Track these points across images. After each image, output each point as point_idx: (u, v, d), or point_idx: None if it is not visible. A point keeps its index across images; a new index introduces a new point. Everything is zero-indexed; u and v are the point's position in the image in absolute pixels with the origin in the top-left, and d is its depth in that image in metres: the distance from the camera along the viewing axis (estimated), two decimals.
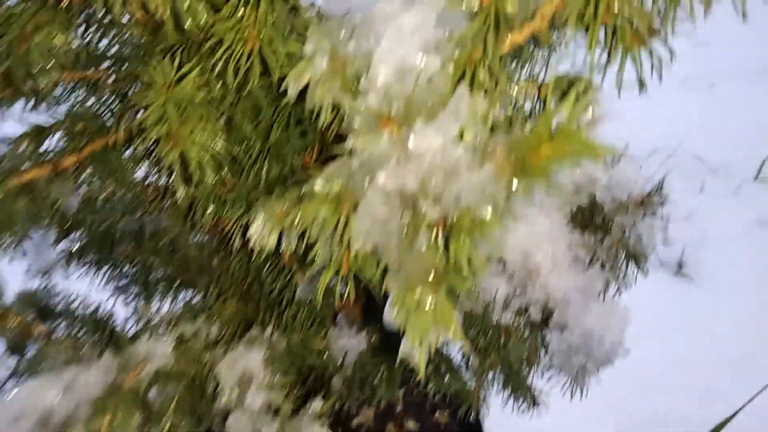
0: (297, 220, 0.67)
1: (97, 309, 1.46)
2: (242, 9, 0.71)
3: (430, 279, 0.63)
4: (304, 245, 0.71)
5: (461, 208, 0.60)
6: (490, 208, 0.60)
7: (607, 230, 1.12)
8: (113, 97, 0.93)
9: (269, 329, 1.05)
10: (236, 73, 0.74)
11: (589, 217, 1.11)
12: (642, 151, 3.63)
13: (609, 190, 1.07)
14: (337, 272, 0.71)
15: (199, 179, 0.77)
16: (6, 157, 0.95)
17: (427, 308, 0.63)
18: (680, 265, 2.92)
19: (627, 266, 1.14)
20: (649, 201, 1.09)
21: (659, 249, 3.00)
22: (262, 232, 0.75)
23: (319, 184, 0.64)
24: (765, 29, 3.52)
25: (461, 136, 0.62)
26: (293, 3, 0.75)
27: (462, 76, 0.63)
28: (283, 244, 0.71)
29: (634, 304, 1.35)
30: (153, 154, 0.89)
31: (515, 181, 0.60)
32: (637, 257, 1.12)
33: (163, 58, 0.76)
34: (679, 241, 3.01)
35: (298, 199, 0.70)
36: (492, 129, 0.61)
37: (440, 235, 0.61)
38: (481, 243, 0.61)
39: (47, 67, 0.77)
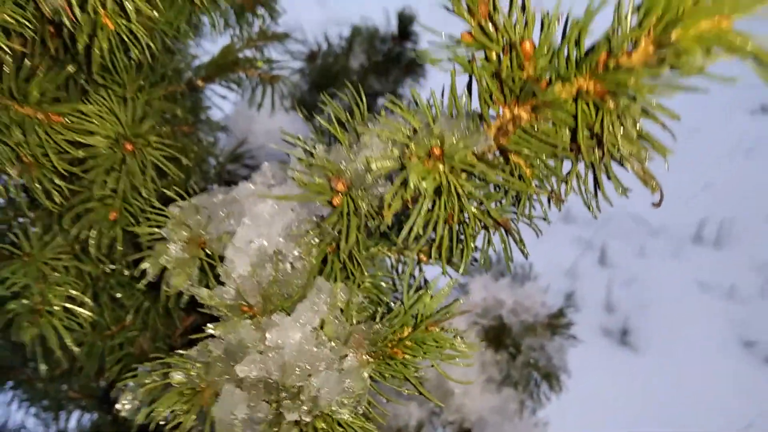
0: (161, 405, 0.63)
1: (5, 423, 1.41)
2: (106, 182, 0.69)
3: None
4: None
5: (320, 407, 0.57)
6: (349, 409, 0.57)
7: (518, 351, 1.10)
8: None
9: None
10: (100, 241, 0.72)
11: (498, 338, 1.10)
12: (581, 213, 3.69)
13: (516, 313, 1.05)
14: None
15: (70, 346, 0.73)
16: None
17: None
18: (624, 333, 2.93)
19: (540, 386, 1.12)
20: (556, 323, 1.08)
21: (603, 317, 3.01)
22: (131, 406, 0.71)
23: (176, 376, 0.61)
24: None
25: (322, 327, 0.60)
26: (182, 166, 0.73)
27: (323, 263, 0.61)
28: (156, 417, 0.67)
29: (580, 376, 1.32)
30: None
31: (376, 374, 0.58)
32: (549, 377, 1.10)
33: (23, 227, 0.72)
34: (622, 308, 3.03)
35: (163, 376, 0.66)
36: (353, 319, 0.59)
37: None
38: None
39: None
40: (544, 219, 0.59)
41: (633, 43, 0.42)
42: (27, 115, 0.63)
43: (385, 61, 1.44)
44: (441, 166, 0.47)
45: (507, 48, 0.48)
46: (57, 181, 0.68)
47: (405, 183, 0.49)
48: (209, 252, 0.63)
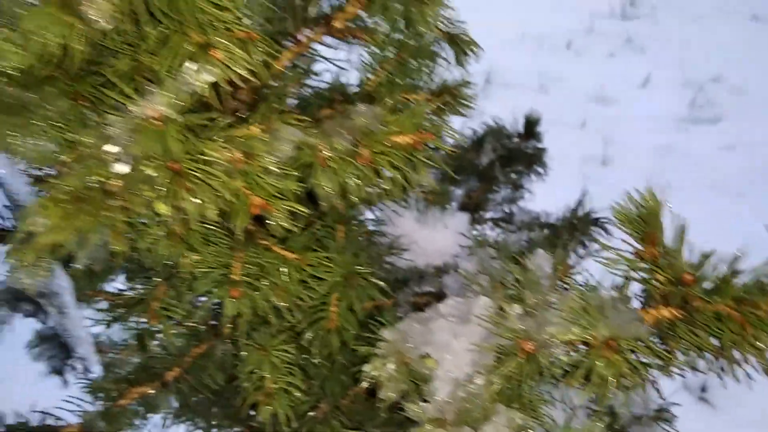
0: None
1: None
2: (327, 296, 0.91)
3: None
4: None
5: None
6: None
7: None
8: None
9: None
10: (319, 343, 0.94)
11: (609, 425, 1.27)
12: None
13: (628, 407, 1.23)
14: None
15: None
16: (116, 364, 1.15)
17: None
18: (703, 389, 3.00)
19: None
20: (661, 416, 1.24)
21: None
22: None
23: None
24: None
25: None
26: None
27: (503, 390, 0.81)
28: None
29: None
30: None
31: None
32: None
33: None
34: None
35: None
36: None
37: None
38: None
39: None
40: (681, 375, 0.77)
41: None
42: (288, 258, 0.86)
43: (509, 156, 1.63)
44: (618, 358, 0.66)
45: (670, 273, 0.67)
46: (296, 302, 0.91)
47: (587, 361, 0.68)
48: (413, 371, 0.84)
